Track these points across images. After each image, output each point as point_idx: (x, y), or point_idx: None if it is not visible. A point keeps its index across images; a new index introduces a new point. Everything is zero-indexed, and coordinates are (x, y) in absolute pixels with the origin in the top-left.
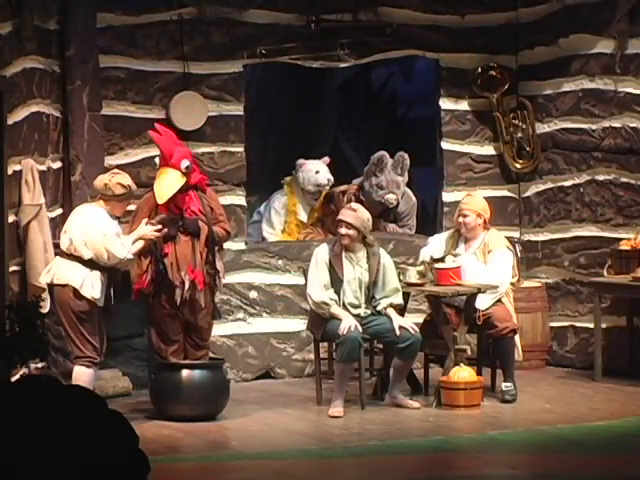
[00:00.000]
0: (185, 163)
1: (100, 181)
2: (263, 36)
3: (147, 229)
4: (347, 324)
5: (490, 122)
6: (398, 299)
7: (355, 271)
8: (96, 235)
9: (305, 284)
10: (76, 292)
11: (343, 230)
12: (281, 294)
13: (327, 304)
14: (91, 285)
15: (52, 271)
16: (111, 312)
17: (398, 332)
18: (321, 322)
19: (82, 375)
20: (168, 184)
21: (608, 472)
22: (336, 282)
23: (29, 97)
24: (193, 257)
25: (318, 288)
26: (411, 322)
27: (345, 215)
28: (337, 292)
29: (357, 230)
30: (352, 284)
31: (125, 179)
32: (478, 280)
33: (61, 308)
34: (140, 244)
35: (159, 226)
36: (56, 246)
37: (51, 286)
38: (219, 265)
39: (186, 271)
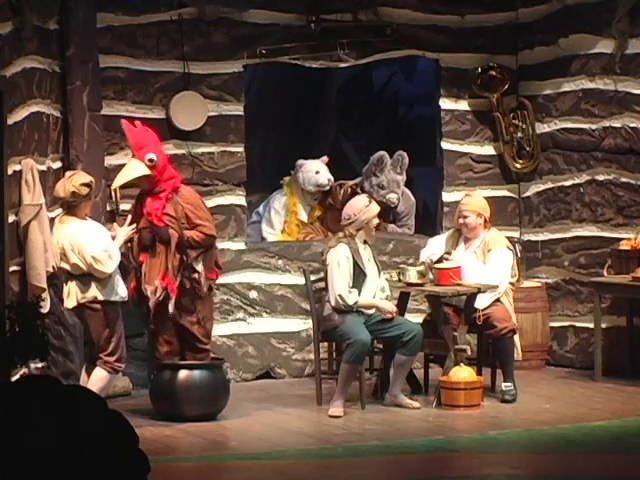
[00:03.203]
0: (149, 155)
1: (65, 191)
2: (263, 36)
3: (125, 231)
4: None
5: (490, 122)
6: (388, 286)
7: (371, 264)
8: (86, 256)
9: (305, 284)
10: (104, 302)
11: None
12: (281, 294)
13: (351, 292)
14: (115, 289)
15: (73, 294)
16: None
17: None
18: (333, 325)
19: (101, 378)
20: (126, 171)
21: (608, 472)
22: (358, 278)
23: (29, 97)
24: (165, 265)
25: (342, 283)
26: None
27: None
28: (359, 290)
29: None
30: (373, 278)
31: (84, 178)
32: (478, 279)
33: (94, 323)
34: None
35: (133, 224)
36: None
37: (79, 307)
38: (199, 267)
39: (159, 279)
